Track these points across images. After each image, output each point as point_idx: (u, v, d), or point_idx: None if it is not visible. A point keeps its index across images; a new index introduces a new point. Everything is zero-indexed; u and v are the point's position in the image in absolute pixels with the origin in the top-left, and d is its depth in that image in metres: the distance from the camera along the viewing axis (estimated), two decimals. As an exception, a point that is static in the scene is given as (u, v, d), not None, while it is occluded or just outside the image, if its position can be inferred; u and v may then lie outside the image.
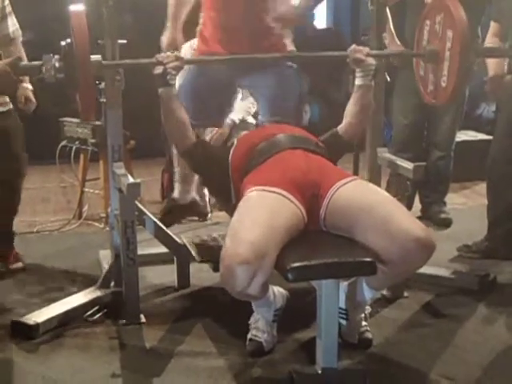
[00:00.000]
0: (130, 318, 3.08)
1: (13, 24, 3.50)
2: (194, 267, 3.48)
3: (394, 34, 4.20)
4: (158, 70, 2.91)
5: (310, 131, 3.18)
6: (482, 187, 5.40)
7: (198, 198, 3.81)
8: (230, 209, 2.99)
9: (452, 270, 3.65)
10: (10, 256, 3.68)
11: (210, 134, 4.24)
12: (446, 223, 4.56)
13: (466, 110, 4.64)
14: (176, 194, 3.67)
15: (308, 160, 2.84)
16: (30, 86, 3.60)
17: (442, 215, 4.61)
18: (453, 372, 2.70)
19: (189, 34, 3.64)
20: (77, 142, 4.59)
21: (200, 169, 3.13)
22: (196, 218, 4.73)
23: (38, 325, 2.97)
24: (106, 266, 3.40)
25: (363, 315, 2.90)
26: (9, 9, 3.46)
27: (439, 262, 3.62)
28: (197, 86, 3.41)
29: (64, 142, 4.66)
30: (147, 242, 3.69)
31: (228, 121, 4.23)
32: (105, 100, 3.12)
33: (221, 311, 3.22)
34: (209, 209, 4.76)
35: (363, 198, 2.65)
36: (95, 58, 2.84)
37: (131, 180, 2.91)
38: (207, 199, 4.73)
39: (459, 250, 4.00)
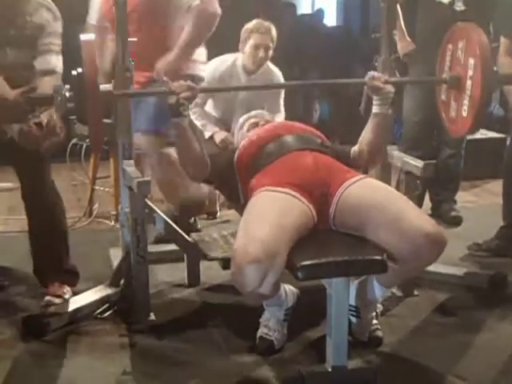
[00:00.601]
0: (140, 315, 3.08)
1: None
2: (203, 265, 3.48)
3: (405, 31, 4.19)
4: (172, 100, 2.81)
5: (319, 129, 3.17)
6: (492, 185, 5.41)
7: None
8: (239, 207, 2.99)
9: (462, 268, 3.64)
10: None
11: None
12: (457, 221, 4.55)
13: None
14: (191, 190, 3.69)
15: (316, 160, 2.84)
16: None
17: (453, 213, 4.60)
18: (465, 371, 2.69)
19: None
20: (87, 140, 4.59)
21: (210, 180, 3.15)
22: (205, 216, 4.74)
23: (48, 322, 2.98)
24: (116, 264, 3.40)
25: (374, 313, 2.90)
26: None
27: (449, 260, 3.62)
28: None
29: (74, 140, 4.68)
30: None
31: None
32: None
33: (231, 309, 3.23)
34: (218, 207, 4.77)
35: (373, 195, 2.65)
36: (105, 87, 2.82)
37: (141, 178, 2.91)
38: (217, 198, 4.73)
39: (469, 248, 3.99)
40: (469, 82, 2.97)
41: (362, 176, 2.79)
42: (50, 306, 3.19)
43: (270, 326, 2.83)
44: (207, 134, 4.32)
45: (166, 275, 3.62)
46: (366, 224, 2.58)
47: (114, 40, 3.14)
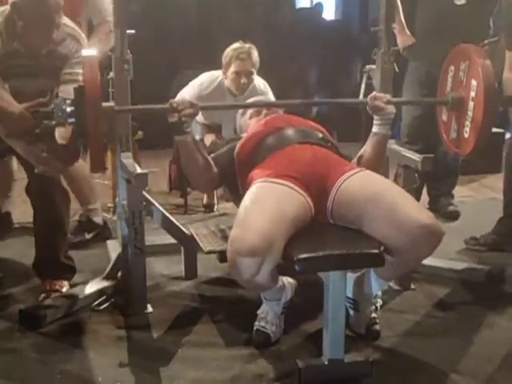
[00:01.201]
0: (137, 307, 3.08)
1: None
2: (201, 258, 3.48)
3: (405, 25, 4.18)
4: (173, 118, 2.81)
5: (317, 120, 3.17)
6: (489, 180, 5.42)
7: None
8: (238, 200, 2.99)
9: (459, 262, 3.65)
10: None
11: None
12: (454, 216, 4.56)
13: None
14: None
15: (315, 153, 2.84)
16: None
17: (450, 208, 4.61)
18: (462, 365, 2.69)
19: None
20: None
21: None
22: (203, 209, 4.75)
23: (45, 314, 2.98)
24: (113, 256, 3.40)
25: (373, 307, 2.90)
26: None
27: (447, 254, 3.63)
28: None
29: (72, 133, 4.66)
30: (155, 231, 3.71)
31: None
32: (113, 90, 3.12)
33: (228, 302, 3.23)
34: (216, 200, 4.77)
35: (370, 188, 2.66)
36: (107, 104, 2.80)
37: (139, 170, 2.91)
38: (214, 191, 4.73)
39: (467, 242, 3.99)
40: (471, 104, 2.94)
41: (359, 169, 2.79)
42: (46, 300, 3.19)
43: (267, 319, 2.83)
44: (197, 137, 4.31)
45: (163, 268, 3.62)
46: (363, 216, 2.58)
47: None
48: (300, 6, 9.50)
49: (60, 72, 3.06)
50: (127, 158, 3.06)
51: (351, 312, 2.88)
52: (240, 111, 3.42)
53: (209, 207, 4.76)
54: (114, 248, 3.56)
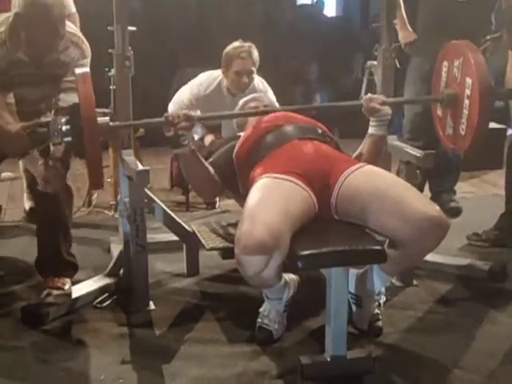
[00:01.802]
0: (139, 305, 3.08)
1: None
2: (203, 255, 3.48)
3: (406, 21, 4.17)
4: (169, 133, 2.79)
5: (318, 118, 3.17)
6: (491, 176, 5.41)
7: None
8: (239, 198, 2.99)
9: (462, 258, 3.65)
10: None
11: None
12: (456, 212, 4.54)
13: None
14: None
15: (317, 149, 2.84)
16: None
17: (452, 204, 4.60)
18: (463, 361, 2.70)
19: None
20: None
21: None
22: (204, 206, 4.74)
23: (47, 312, 2.98)
24: (115, 254, 3.40)
25: (376, 303, 2.90)
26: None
27: (449, 250, 3.63)
28: None
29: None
30: (156, 229, 3.71)
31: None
32: (114, 87, 3.12)
33: (230, 299, 3.23)
34: (217, 197, 4.76)
35: (374, 182, 2.66)
36: (103, 120, 2.78)
37: (140, 167, 2.91)
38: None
39: (469, 238, 3.99)
40: (466, 102, 2.93)
41: (362, 164, 2.79)
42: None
43: (270, 317, 2.82)
44: (196, 137, 4.30)
45: (165, 265, 3.62)
46: (369, 210, 2.58)
47: None
48: (301, 2, 9.50)
49: (62, 79, 3.05)
50: (129, 156, 3.06)
51: (354, 308, 2.88)
52: (237, 108, 3.41)
53: (210, 204, 4.75)
54: (116, 245, 3.56)
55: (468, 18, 3.95)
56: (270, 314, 2.82)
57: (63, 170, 2.97)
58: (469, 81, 2.90)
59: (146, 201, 3.12)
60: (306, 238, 2.54)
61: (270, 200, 2.55)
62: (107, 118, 2.84)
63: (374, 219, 2.57)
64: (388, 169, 3.41)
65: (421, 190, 4.20)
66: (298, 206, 2.58)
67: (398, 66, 3.45)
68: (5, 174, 5.04)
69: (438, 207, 2.62)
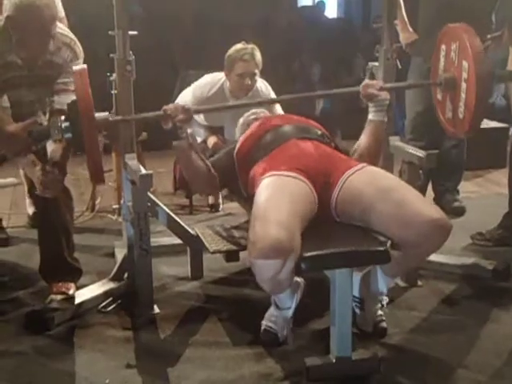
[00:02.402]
0: (143, 308, 3.08)
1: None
2: (206, 258, 3.48)
3: (407, 21, 4.17)
4: (167, 125, 2.82)
5: (321, 120, 3.17)
6: (494, 175, 5.40)
7: None
8: (242, 201, 2.99)
9: (466, 258, 3.64)
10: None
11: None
12: (460, 212, 4.54)
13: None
14: None
15: (317, 148, 2.85)
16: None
17: (456, 204, 4.59)
18: (468, 360, 2.69)
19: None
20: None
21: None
22: (208, 209, 4.75)
23: (52, 317, 2.98)
24: (119, 258, 3.41)
25: (379, 305, 2.90)
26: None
27: (453, 250, 3.62)
28: None
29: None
30: (160, 232, 3.72)
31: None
32: (116, 92, 3.12)
33: (234, 301, 3.23)
34: (221, 200, 4.77)
35: (375, 184, 2.66)
36: (101, 115, 2.79)
37: (143, 171, 2.92)
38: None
39: (473, 237, 3.98)
40: (464, 85, 2.94)
41: (363, 165, 2.79)
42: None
43: (278, 324, 2.79)
44: (199, 139, 4.30)
45: (169, 268, 3.62)
46: (370, 212, 2.58)
47: None
48: (302, 4, 9.52)
49: (55, 80, 3.06)
50: (131, 160, 3.07)
51: (357, 311, 2.87)
52: (239, 123, 3.40)
53: (214, 207, 4.75)
54: (120, 249, 3.56)
55: (468, 18, 3.94)
56: (277, 320, 2.79)
57: (61, 176, 2.96)
58: (465, 64, 2.92)
59: (149, 204, 3.12)
60: (310, 239, 2.53)
61: (279, 200, 2.54)
62: (106, 113, 2.86)
63: (376, 222, 2.57)
64: (390, 169, 3.42)
65: (424, 190, 4.20)
66: (304, 204, 2.59)
67: (400, 66, 3.45)
68: (8, 180, 5.05)
69: (439, 209, 2.62)
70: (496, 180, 5.29)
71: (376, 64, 3.46)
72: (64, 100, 2.95)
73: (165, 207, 3.50)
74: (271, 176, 2.69)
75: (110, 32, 3.03)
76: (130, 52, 3.03)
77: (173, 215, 3.52)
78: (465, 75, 2.92)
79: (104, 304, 3.15)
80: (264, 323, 2.83)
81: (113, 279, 3.28)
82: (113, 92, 3.15)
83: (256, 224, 2.46)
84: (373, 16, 7.93)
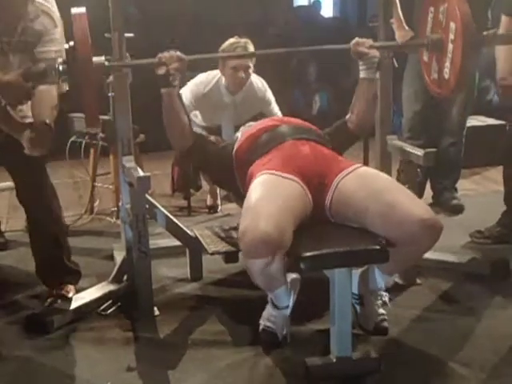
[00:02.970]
0: (143, 311, 3.08)
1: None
2: (206, 259, 3.48)
3: (403, 20, 4.17)
4: (161, 70, 2.88)
5: (318, 119, 3.18)
6: (492, 173, 5.40)
7: None
8: (241, 201, 2.99)
9: (465, 255, 3.64)
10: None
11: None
12: (458, 209, 4.55)
13: (476, 95, 4.60)
14: None
15: (313, 149, 2.87)
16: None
17: (454, 202, 4.60)
18: (468, 358, 2.69)
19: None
20: (86, 137, 4.59)
21: (202, 166, 3.20)
22: (206, 211, 4.75)
23: (52, 320, 2.98)
24: (119, 260, 3.40)
25: (380, 302, 2.90)
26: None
27: (451, 248, 3.63)
28: None
29: (73, 138, 4.67)
30: (159, 234, 3.72)
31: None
32: (113, 94, 3.12)
33: (234, 302, 3.23)
34: (219, 201, 4.77)
35: (368, 185, 2.68)
36: (98, 59, 2.81)
37: (141, 173, 2.91)
38: (218, 192, 4.74)
39: (471, 235, 3.99)
40: (450, 46, 2.97)
41: (357, 166, 2.82)
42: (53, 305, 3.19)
43: (277, 323, 2.79)
44: None
45: (169, 270, 3.62)
46: (363, 213, 2.60)
47: None
48: (298, 3, 9.52)
49: (34, 48, 3.05)
50: (129, 162, 3.06)
51: (357, 307, 2.88)
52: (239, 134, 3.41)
53: (212, 208, 4.76)
54: (119, 252, 3.56)
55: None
56: (276, 320, 2.79)
57: (49, 133, 2.95)
58: (452, 25, 2.94)
59: (147, 206, 3.12)
60: (309, 239, 2.55)
61: (271, 196, 2.58)
62: (102, 58, 2.88)
63: (369, 222, 2.59)
64: (389, 168, 3.42)
65: (422, 188, 4.21)
66: (297, 204, 2.61)
67: (396, 65, 3.45)
68: (5, 184, 5.04)
69: (430, 209, 2.64)
70: (494, 177, 5.29)
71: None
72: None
73: (163, 209, 3.50)
74: (266, 174, 2.72)
75: (106, 34, 3.03)
76: (127, 54, 3.02)
77: (171, 217, 3.52)
78: (452, 36, 2.96)
79: (104, 307, 3.15)
80: (262, 323, 2.83)
81: (112, 282, 3.28)
82: (110, 94, 3.15)
83: (247, 216, 2.52)
84: (369, 15, 7.93)
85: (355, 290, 2.84)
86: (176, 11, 7.16)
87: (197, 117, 4.37)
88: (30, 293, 3.38)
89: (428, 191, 4.63)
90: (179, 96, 3.00)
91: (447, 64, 3.01)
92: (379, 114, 3.44)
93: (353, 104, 3.14)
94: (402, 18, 4.17)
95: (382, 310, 2.90)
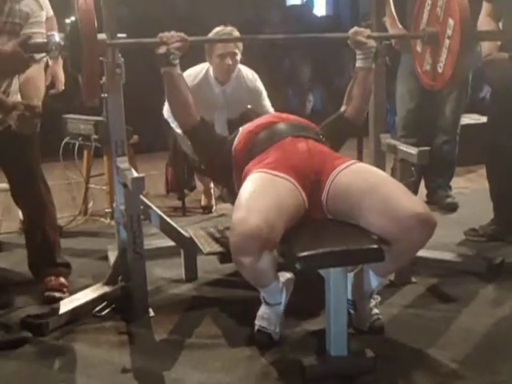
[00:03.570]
0: (138, 312, 3.07)
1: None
2: (200, 260, 3.48)
3: (396, 18, 4.17)
4: (162, 49, 2.90)
5: (311, 119, 3.19)
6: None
7: None
8: (234, 198, 2.99)
9: (459, 253, 3.65)
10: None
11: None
12: (452, 207, 4.56)
13: (469, 93, 4.61)
14: None
15: (310, 147, 2.87)
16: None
17: (448, 199, 4.61)
18: (463, 355, 2.69)
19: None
20: (80, 139, 4.58)
21: (203, 148, 3.16)
22: (201, 211, 4.74)
23: (47, 322, 2.97)
24: (113, 261, 3.40)
25: (374, 303, 2.90)
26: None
27: (446, 246, 3.64)
28: None
29: (67, 139, 4.66)
30: (153, 235, 3.71)
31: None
32: (106, 95, 3.11)
33: (229, 303, 3.23)
34: (214, 201, 4.76)
35: (363, 180, 2.69)
36: (100, 35, 2.80)
37: (135, 174, 2.91)
38: (212, 192, 4.73)
39: (466, 233, 3.99)
40: (447, 41, 2.98)
41: (352, 161, 2.82)
42: (50, 300, 3.22)
43: (270, 321, 2.79)
44: None
45: (164, 271, 3.61)
46: (358, 208, 2.61)
47: None
48: (290, 2, 9.51)
49: (21, 30, 3.07)
50: (123, 163, 3.06)
51: (351, 311, 2.87)
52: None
53: (207, 209, 4.75)
54: (113, 253, 3.55)
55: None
56: (270, 317, 2.80)
57: (37, 111, 2.96)
58: (451, 22, 2.95)
59: (141, 207, 3.11)
60: (304, 239, 2.55)
61: (263, 193, 2.60)
62: (103, 34, 2.87)
63: (363, 217, 2.59)
64: (382, 167, 3.42)
65: (416, 186, 4.21)
66: (289, 202, 2.62)
67: (389, 63, 3.45)
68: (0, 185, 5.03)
69: (425, 204, 2.66)
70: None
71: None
72: None
73: (157, 210, 3.50)
74: (259, 173, 2.73)
75: (98, 35, 3.02)
76: (119, 55, 3.02)
77: (166, 217, 3.51)
78: (449, 32, 2.97)
79: (99, 308, 3.14)
80: (257, 323, 2.83)
81: (107, 283, 3.27)
82: (103, 95, 3.14)
83: (237, 211, 2.53)
84: (361, 13, 7.92)
85: (349, 296, 2.83)
86: (169, 12, 7.16)
87: None
88: (24, 295, 3.36)
89: (422, 189, 4.63)
90: (181, 75, 3.01)
91: (441, 59, 3.02)
92: (373, 113, 3.44)
93: (347, 95, 3.18)
94: (395, 15, 4.17)
95: (375, 310, 2.90)
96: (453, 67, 2.96)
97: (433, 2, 3.12)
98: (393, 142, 3.44)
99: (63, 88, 4.09)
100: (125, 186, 2.98)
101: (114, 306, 3.16)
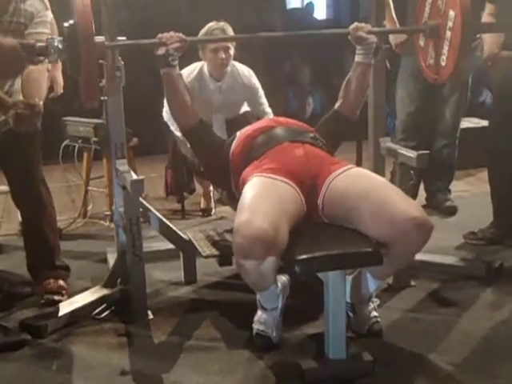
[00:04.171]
0: (137, 314, 3.07)
1: None
2: (200, 262, 3.48)
3: (396, 21, 4.18)
4: (161, 50, 2.90)
5: (311, 121, 3.19)
6: (486, 175, 5.36)
7: None
8: (234, 204, 2.99)
9: (458, 257, 3.65)
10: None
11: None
12: (452, 211, 4.56)
13: (469, 96, 4.61)
14: None
15: (306, 152, 2.87)
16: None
17: (448, 203, 4.61)
18: (462, 359, 2.69)
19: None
20: (80, 141, 4.59)
21: (202, 150, 3.16)
22: (200, 214, 4.74)
23: (46, 325, 2.97)
24: (112, 264, 3.40)
25: (371, 306, 2.90)
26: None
27: (445, 249, 3.64)
28: None
29: (67, 141, 4.66)
30: (153, 238, 3.71)
31: None
32: (106, 97, 3.11)
33: (228, 306, 3.23)
34: (213, 204, 4.76)
35: (359, 184, 2.69)
36: (98, 38, 2.81)
37: (134, 177, 2.91)
38: (211, 195, 4.73)
39: (465, 237, 3.99)
40: (448, 33, 2.97)
41: (349, 166, 2.82)
42: (49, 302, 3.21)
43: (268, 325, 2.79)
44: None
45: (163, 273, 3.61)
46: (353, 213, 2.61)
47: None
48: (291, 6, 9.52)
49: (25, 29, 3.08)
50: (123, 165, 3.06)
51: (350, 314, 2.87)
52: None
53: (206, 211, 4.75)
54: (112, 255, 3.55)
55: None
56: (267, 322, 2.80)
57: (37, 110, 2.97)
58: (452, 13, 2.95)
59: (141, 210, 3.11)
60: (303, 242, 2.54)
61: (266, 196, 2.59)
62: (102, 37, 2.87)
63: (360, 221, 2.59)
64: (382, 170, 3.42)
65: (416, 190, 4.21)
66: (291, 206, 2.62)
67: (389, 67, 3.45)
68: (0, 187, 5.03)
69: (421, 208, 2.65)
70: (487, 179, 5.30)
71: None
72: None
73: (157, 212, 3.50)
74: (260, 177, 2.73)
75: (97, 37, 3.02)
76: (119, 58, 3.02)
77: (165, 220, 3.51)
78: (450, 24, 2.96)
79: (98, 311, 3.14)
80: (255, 327, 2.83)
81: (106, 286, 3.27)
82: (103, 98, 3.14)
83: (241, 214, 2.51)
84: (361, 17, 7.92)
85: (347, 299, 2.83)
86: (169, 15, 7.15)
87: None
88: (24, 296, 3.36)
89: (421, 193, 4.63)
90: (180, 76, 3.02)
91: (444, 51, 3.02)
92: (372, 116, 3.45)
93: (343, 90, 3.17)
94: (395, 19, 4.18)
95: (374, 313, 2.90)
96: (455, 59, 2.95)
97: None
98: (392, 145, 3.44)
99: (62, 91, 4.09)
100: (124, 188, 2.99)
101: (113, 308, 3.16)
